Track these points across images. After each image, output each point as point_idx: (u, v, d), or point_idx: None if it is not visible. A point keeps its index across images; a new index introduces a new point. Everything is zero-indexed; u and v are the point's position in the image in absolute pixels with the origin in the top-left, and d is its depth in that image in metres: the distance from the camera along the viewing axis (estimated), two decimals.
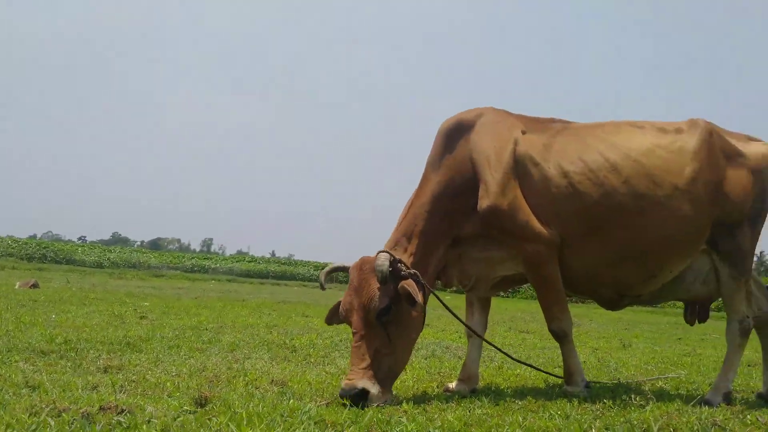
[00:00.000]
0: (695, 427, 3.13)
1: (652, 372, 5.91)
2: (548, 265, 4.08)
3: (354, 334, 3.69)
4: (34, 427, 2.50)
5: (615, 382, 5.07)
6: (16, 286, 14.08)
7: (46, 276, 23.42)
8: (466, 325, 4.50)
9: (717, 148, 4.23)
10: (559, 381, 4.67)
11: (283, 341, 6.74)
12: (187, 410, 2.93)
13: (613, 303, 4.42)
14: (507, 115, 4.43)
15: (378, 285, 3.68)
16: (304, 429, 2.60)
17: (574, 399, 3.87)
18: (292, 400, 3.33)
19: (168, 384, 3.81)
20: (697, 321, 4.55)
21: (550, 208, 4.05)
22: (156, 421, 2.62)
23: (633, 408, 3.63)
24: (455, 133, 4.29)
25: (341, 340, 7.21)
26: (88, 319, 7.84)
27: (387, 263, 3.68)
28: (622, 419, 3.28)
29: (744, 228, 4.19)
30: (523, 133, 4.24)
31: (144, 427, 2.56)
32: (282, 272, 41.36)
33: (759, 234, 4.29)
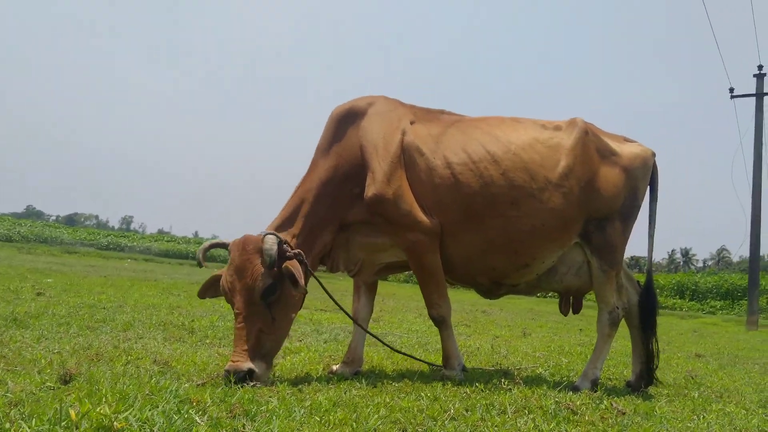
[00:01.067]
0: (549, 410, 3.32)
1: (538, 359, 6.16)
2: (429, 254, 4.19)
3: (237, 315, 3.69)
4: None
5: (495, 367, 5.27)
6: None
7: None
8: (345, 312, 4.56)
9: (591, 147, 4.45)
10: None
11: (182, 322, 6.67)
12: (50, 386, 2.90)
13: (490, 291, 4.59)
14: (398, 104, 4.54)
15: (262, 266, 3.69)
16: (164, 407, 2.60)
17: (449, 382, 4.02)
18: (163, 380, 3.32)
19: (43, 361, 3.72)
20: (571, 312, 4.79)
21: (432, 197, 4.17)
22: (10, 395, 2.59)
23: (500, 391, 3.81)
24: (346, 120, 4.37)
25: None
26: None
27: (275, 247, 3.71)
28: (484, 401, 3.44)
29: (615, 223, 4.41)
30: (412, 123, 4.36)
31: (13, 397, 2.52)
32: None
33: (630, 229, 4.53)
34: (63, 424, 2.01)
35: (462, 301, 18.90)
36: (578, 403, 3.59)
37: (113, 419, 2.18)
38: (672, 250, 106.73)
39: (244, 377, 3.51)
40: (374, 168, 4.12)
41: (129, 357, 4.24)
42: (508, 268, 4.40)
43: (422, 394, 3.61)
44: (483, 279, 4.51)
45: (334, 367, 4.42)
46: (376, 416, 2.94)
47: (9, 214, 79.00)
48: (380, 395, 3.52)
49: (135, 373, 3.65)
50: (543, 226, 4.26)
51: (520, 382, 4.12)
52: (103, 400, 2.60)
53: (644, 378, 4.56)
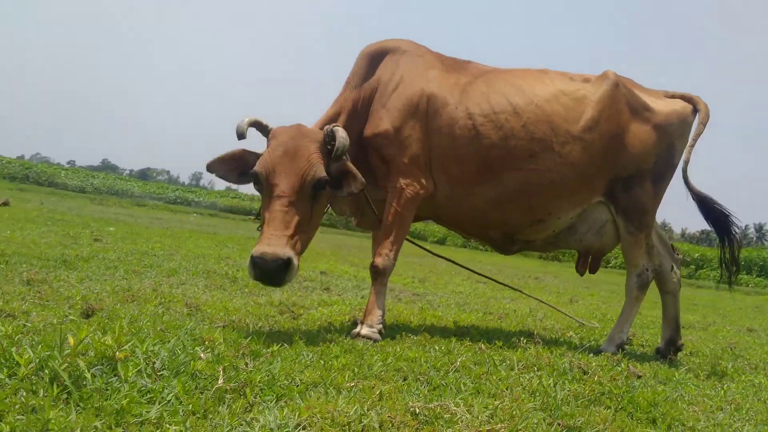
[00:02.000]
0: (559, 368, 3.30)
1: (573, 325, 6.09)
2: (408, 206, 4.06)
3: (280, 197, 3.42)
4: None
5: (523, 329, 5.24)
6: None
7: (23, 196, 23.40)
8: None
9: (621, 101, 4.29)
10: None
11: (227, 272, 6.86)
12: (72, 319, 3.06)
13: (503, 247, 4.54)
14: (427, 51, 4.46)
15: (320, 156, 3.57)
16: (173, 343, 2.72)
17: (466, 337, 4.03)
18: (184, 320, 3.46)
19: (77, 297, 3.92)
20: (588, 272, 4.70)
21: (451, 147, 4.10)
22: (29, 325, 2.75)
23: (516, 349, 3.80)
24: (375, 58, 4.33)
25: None
26: (40, 237, 7.93)
27: (348, 141, 3.60)
28: (495, 357, 3.44)
29: (645, 183, 4.27)
30: (439, 71, 4.27)
31: (18, 328, 2.68)
32: None
33: (663, 191, 4.37)
34: (66, 351, 2.12)
35: (516, 266, 18.76)
36: (593, 364, 3.54)
37: (116, 349, 2.29)
38: (746, 225, 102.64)
39: (280, 268, 3.24)
40: (388, 105, 4.06)
41: (162, 299, 4.41)
42: (522, 222, 4.33)
43: (437, 347, 3.64)
44: (495, 233, 4.46)
45: (359, 318, 4.45)
46: (380, 363, 3.00)
47: (86, 167, 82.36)
48: (392, 345, 3.57)
49: (161, 313, 3.81)
50: (561, 180, 4.15)
51: (540, 342, 4.10)
52: (113, 331, 2.73)
53: (673, 344, 4.47)
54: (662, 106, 4.38)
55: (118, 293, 4.48)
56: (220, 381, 2.28)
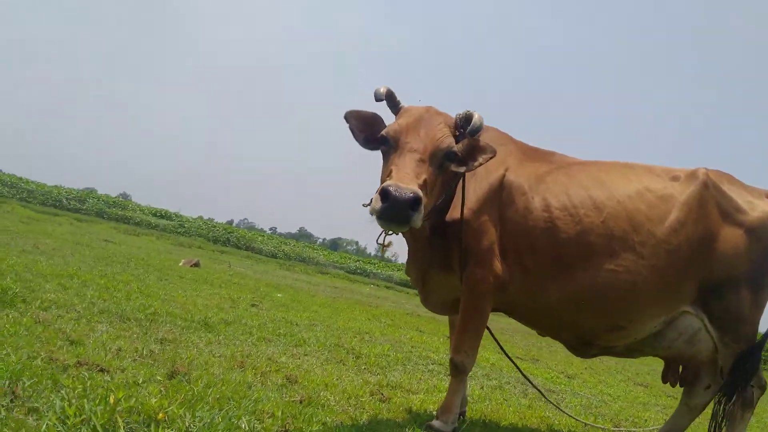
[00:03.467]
0: None
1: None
2: (484, 298, 3.98)
3: (413, 151, 3.43)
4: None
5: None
6: (180, 264, 15.79)
7: (220, 258, 25.80)
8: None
9: (711, 201, 4.04)
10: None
11: (353, 347, 7.14)
12: (156, 379, 3.44)
13: (579, 350, 4.31)
14: (509, 139, 4.43)
15: (451, 133, 3.62)
16: (226, 411, 2.98)
17: None
18: (264, 390, 3.72)
19: (186, 359, 4.36)
20: (678, 383, 4.33)
21: (526, 238, 3.99)
22: (111, 379, 3.16)
23: None
24: None
25: (415, 356, 7.50)
26: (203, 299, 8.78)
27: (483, 124, 3.65)
28: None
29: (740, 291, 3.93)
30: (519, 161, 4.23)
31: (102, 382, 3.10)
32: None
33: (764, 301, 3.99)
34: (100, 407, 2.45)
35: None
36: None
37: (159, 410, 2.59)
38: None
39: (413, 201, 3.12)
40: (468, 194, 3.99)
41: (269, 369, 4.74)
42: (598, 328, 4.11)
43: None
44: (568, 336, 4.27)
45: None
46: None
47: (284, 234, 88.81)
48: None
49: (252, 382, 4.11)
50: (644, 284, 3.91)
51: None
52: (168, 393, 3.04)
53: None
54: (758, 209, 4.06)
55: (230, 359, 4.89)
56: None
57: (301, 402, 3.81)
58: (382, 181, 3.40)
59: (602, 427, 5.25)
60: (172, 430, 2.55)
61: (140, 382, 3.30)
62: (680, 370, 4.36)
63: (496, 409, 5.12)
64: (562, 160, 4.40)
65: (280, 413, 3.26)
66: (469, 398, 5.47)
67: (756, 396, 4.00)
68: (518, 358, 10.54)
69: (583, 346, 4.29)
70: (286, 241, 47.14)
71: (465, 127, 3.67)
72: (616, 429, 5.45)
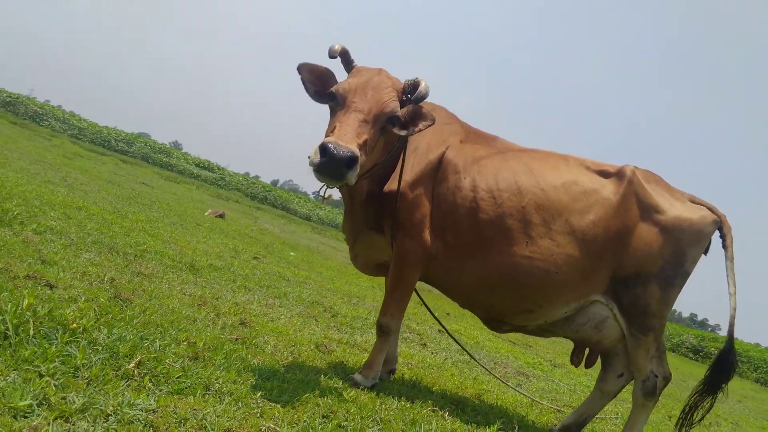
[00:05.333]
0: None
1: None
2: (412, 267, 4.19)
3: (357, 111, 3.64)
4: None
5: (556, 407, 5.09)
6: (206, 213, 16.32)
7: (255, 215, 26.43)
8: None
9: (632, 199, 4.17)
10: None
11: (332, 306, 7.44)
12: (98, 300, 3.80)
13: (492, 325, 4.51)
14: (455, 120, 4.59)
15: (397, 97, 3.81)
16: (149, 335, 3.32)
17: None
18: (194, 323, 4.07)
19: (137, 290, 4.73)
20: (584, 365, 4.51)
21: (452, 216, 4.16)
22: (52, 293, 3.53)
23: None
24: None
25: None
26: (207, 246, 9.17)
27: (429, 93, 3.84)
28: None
29: (649, 286, 4.08)
30: (461, 141, 4.39)
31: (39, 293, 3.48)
32: None
33: (672, 297, 4.12)
34: (12, 308, 2.81)
35: None
36: None
37: (73, 321, 2.94)
38: None
39: (349, 160, 3.31)
40: (407, 168, 4.18)
41: (227, 312, 5.06)
42: (509, 310, 4.29)
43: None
44: (481, 313, 4.48)
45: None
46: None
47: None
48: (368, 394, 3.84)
49: (199, 318, 4.45)
50: (557, 273, 4.07)
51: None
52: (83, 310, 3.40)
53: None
54: (675, 211, 4.18)
55: (196, 298, 5.24)
56: (132, 365, 2.81)
57: (236, 340, 4.13)
58: (326, 135, 3.62)
59: (528, 396, 5.44)
60: (82, 339, 2.89)
61: (80, 300, 3.66)
62: (586, 353, 4.53)
63: (437, 375, 5.37)
64: (503, 145, 4.56)
65: (202, 344, 3.58)
66: (421, 364, 5.75)
67: (659, 386, 4.17)
68: (511, 342, 10.75)
69: (496, 323, 4.48)
70: (320, 205, 47.78)
71: (412, 93, 3.86)
72: (539, 401, 5.68)
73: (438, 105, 4.62)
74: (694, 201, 4.32)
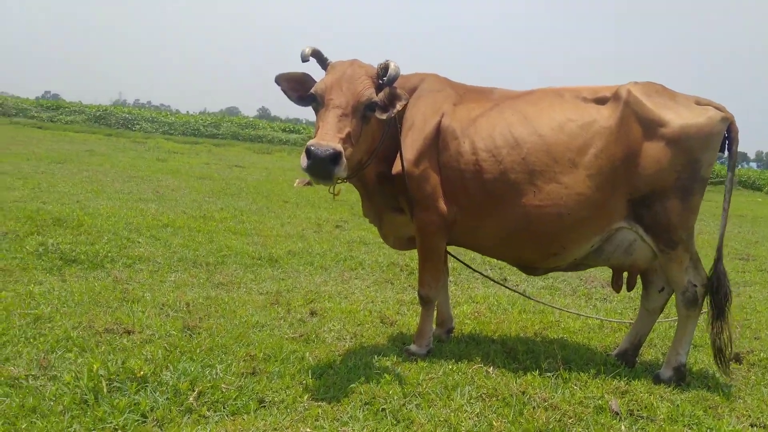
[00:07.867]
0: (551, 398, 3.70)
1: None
2: (436, 237, 4.36)
3: (335, 108, 3.78)
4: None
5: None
6: (294, 185, 16.95)
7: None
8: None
9: (631, 120, 4.12)
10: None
11: (408, 263, 7.75)
12: (170, 333, 4.35)
13: (527, 271, 4.67)
14: (447, 84, 4.61)
15: (372, 84, 3.93)
16: (211, 361, 3.82)
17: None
18: (262, 329, 4.58)
19: (206, 312, 5.28)
20: (626, 289, 4.64)
21: (459, 182, 4.27)
22: (133, 340, 4.11)
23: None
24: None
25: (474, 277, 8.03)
26: (292, 225, 9.78)
27: (400, 72, 3.97)
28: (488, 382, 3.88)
29: (668, 201, 4.08)
30: (455, 105, 4.43)
31: (120, 345, 4.05)
32: None
33: (694, 205, 4.12)
34: (93, 375, 3.37)
35: None
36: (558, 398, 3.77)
37: (138, 370, 3.47)
38: None
39: (332, 157, 3.51)
40: (406, 146, 4.29)
41: (300, 303, 5.54)
42: (536, 257, 4.42)
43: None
44: (513, 263, 4.65)
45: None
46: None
47: None
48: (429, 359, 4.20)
49: (266, 322, 4.93)
50: (571, 213, 4.12)
51: (560, 365, 4.27)
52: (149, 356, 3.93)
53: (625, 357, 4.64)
54: (681, 119, 4.08)
55: (271, 295, 5.76)
56: (191, 398, 3.31)
57: (299, 337, 4.59)
58: (313, 137, 3.85)
59: (576, 312, 5.57)
60: (150, 383, 3.42)
61: (154, 339, 4.22)
62: (624, 277, 4.61)
63: (502, 319, 5.64)
64: (501, 94, 4.56)
65: (261, 355, 4.05)
66: (486, 311, 5.98)
67: (700, 294, 4.22)
68: None
69: (529, 269, 4.65)
70: None
71: (384, 76, 3.97)
72: (594, 317, 5.84)
73: (428, 73, 4.69)
74: (699, 103, 4.19)
